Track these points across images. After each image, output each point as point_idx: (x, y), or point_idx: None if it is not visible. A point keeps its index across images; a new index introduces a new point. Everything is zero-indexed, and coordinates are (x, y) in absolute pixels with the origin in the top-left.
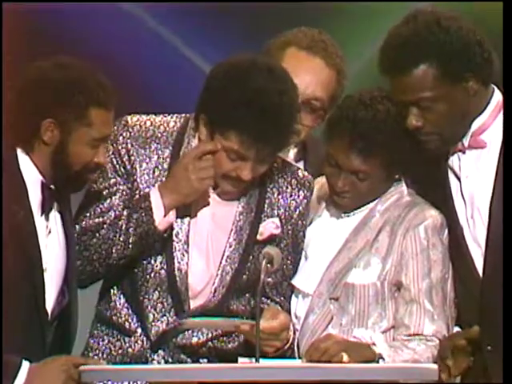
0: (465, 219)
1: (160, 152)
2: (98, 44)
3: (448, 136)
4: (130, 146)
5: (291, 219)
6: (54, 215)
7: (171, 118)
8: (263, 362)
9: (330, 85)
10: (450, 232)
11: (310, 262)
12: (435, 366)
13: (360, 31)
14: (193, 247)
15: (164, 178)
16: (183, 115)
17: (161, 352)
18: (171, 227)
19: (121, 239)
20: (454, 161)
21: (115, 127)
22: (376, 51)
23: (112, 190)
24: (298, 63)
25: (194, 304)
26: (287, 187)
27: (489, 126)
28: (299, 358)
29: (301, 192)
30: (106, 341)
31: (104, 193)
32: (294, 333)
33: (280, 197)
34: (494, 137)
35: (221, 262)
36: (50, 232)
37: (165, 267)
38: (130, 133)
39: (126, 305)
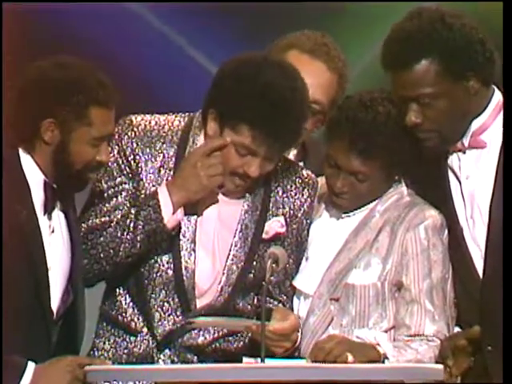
0: (465, 219)
1: (165, 151)
2: (103, 44)
3: (447, 134)
4: (135, 145)
5: (296, 218)
6: (58, 214)
7: (175, 117)
8: (268, 362)
9: (330, 88)
10: (450, 232)
11: (311, 263)
12: (440, 366)
13: (361, 33)
14: (199, 246)
15: (169, 177)
16: (187, 114)
17: (167, 352)
18: (179, 226)
19: (128, 237)
20: (453, 161)
21: (120, 127)
22: (377, 54)
23: (118, 189)
24: (299, 66)
25: (200, 303)
26: (292, 186)
27: (489, 126)
28: (300, 358)
29: (305, 191)
30: (112, 340)
31: (110, 192)
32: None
33: (285, 196)
34: (494, 137)
35: (227, 261)
36: (53, 231)
37: (172, 266)
38: (135, 132)
39: (131, 304)
